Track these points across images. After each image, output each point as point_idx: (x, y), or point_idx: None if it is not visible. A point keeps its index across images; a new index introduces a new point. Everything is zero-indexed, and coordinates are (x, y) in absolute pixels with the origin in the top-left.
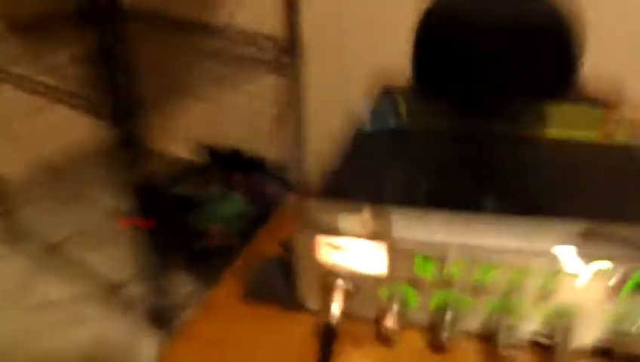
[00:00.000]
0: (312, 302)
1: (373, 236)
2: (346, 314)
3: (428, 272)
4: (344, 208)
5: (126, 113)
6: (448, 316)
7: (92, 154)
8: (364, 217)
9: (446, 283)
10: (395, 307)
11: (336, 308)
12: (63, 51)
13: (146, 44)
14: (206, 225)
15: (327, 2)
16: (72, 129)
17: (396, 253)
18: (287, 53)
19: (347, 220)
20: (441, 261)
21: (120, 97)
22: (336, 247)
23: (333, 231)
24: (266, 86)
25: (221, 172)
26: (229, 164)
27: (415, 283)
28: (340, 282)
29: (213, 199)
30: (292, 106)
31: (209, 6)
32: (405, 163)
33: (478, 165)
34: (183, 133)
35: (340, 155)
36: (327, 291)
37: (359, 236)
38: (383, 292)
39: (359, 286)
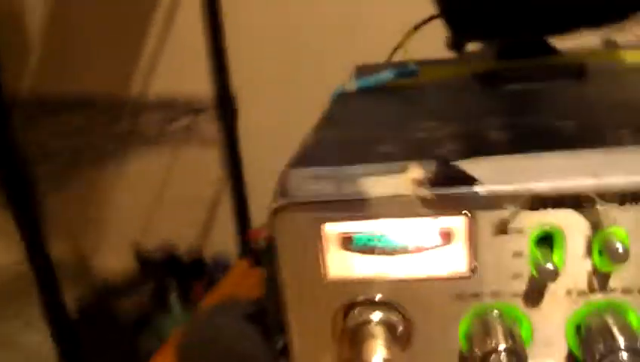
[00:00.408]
0: None
1: (437, 206)
2: None
3: (558, 258)
4: (362, 170)
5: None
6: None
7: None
8: (413, 176)
9: (601, 278)
10: (503, 343)
11: None
12: None
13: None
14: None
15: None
16: None
17: (487, 232)
18: (219, 119)
19: (379, 185)
20: (596, 226)
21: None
22: (364, 249)
23: (354, 210)
24: (197, 162)
25: (156, 282)
26: (165, 272)
27: (533, 288)
28: (376, 317)
29: (159, 315)
30: (231, 178)
31: (116, 79)
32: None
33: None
34: (111, 242)
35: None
36: (350, 343)
37: (407, 212)
38: (468, 321)
39: (418, 317)
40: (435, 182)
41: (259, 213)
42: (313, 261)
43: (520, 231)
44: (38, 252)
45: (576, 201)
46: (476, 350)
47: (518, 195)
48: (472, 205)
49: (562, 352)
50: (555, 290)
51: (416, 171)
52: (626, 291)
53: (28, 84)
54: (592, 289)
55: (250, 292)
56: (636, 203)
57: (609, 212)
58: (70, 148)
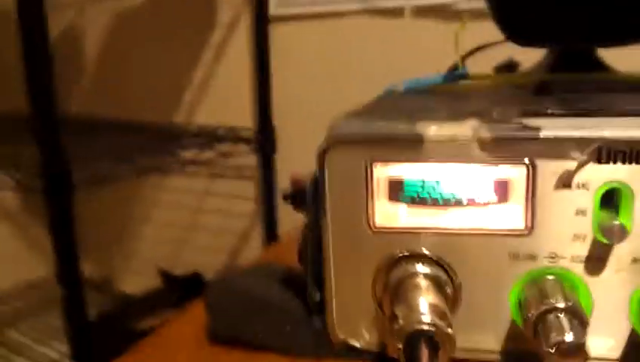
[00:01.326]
0: (361, 333)
1: (497, 151)
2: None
3: (625, 220)
4: (417, 116)
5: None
6: None
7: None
8: (472, 123)
9: None
10: (562, 302)
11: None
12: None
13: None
14: None
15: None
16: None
17: (548, 185)
18: (258, 152)
19: (436, 128)
20: None
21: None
22: (415, 198)
23: (407, 150)
24: (230, 194)
25: (178, 300)
26: (188, 291)
27: (595, 253)
28: (423, 270)
29: None
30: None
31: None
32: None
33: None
34: (137, 264)
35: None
36: (392, 299)
37: (464, 158)
38: (520, 286)
39: (467, 277)
40: (497, 129)
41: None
42: (360, 207)
43: (585, 186)
44: (70, 268)
45: None
46: (531, 312)
47: (586, 142)
48: (535, 152)
49: (624, 331)
50: (619, 257)
51: (476, 121)
52: None
53: (79, 104)
54: None
55: None
56: None
57: None
58: (111, 167)
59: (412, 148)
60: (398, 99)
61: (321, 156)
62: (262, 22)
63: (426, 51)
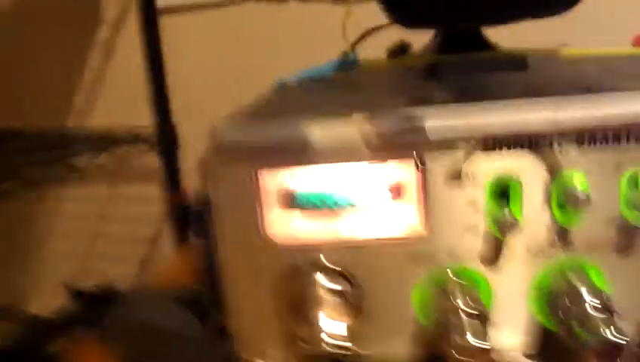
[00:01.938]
0: (267, 352)
1: (385, 149)
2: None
3: (515, 210)
4: (305, 120)
5: None
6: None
7: None
8: (359, 120)
9: (562, 232)
10: (463, 304)
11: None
12: None
13: None
14: None
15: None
16: None
17: (439, 180)
18: (160, 152)
19: (322, 130)
20: (554, 170)
21: None
22: (306, 206)
23: (294, 156)
24: (135, 199)
25: (95, 318)
26: (103, 307)
27: (490, 245)
28: (323, 282)
29: None
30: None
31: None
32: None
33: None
34: (44, 283)
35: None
36: (294, 312)
37: (357, 157)
38: (419, 289)
39: (368, 283)
40: (382, 124)
41: None
42: (251, 220)
43: (474, 178)
44: None
45: (532, 141)
46: (435, 311)
47: (471, 133)
48: (422, 145)
49: (524, 319)
50: (513, 247)
51: (361, 117)
52: (589, 247)
53: None
54: (552, 245)
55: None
56: (594, 144)
57: (567, 154)
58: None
59: (299, 153)
60: (289, 93)
61: (205, 167)
62: (150, 15)
63: (317, 35)
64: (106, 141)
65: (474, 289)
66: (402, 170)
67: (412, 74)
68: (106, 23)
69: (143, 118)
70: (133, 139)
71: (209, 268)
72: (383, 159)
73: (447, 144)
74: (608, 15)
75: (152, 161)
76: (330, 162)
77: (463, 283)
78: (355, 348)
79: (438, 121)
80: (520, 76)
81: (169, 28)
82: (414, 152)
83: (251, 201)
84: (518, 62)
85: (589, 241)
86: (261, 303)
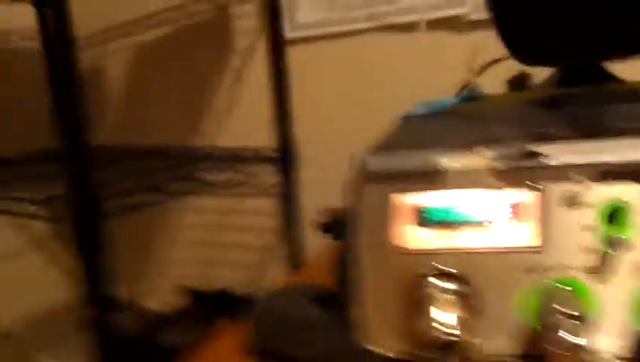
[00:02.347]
0: (390, 342)
1: (508, 180)
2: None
3: (624, 230)
4: (436, 151)
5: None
6: None
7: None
8: (485, 153)
9: None
10: (570, 311)
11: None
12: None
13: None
14: None
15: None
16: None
17: (557, 206)
18: (280, 171)
19: (452, 160)
20: None
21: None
22: (437, 222)
23: (427, 182)
24: (254, 212)
25: (206, 316)
26: (215, 307)
27: (600, 263)
28: (447, 286)
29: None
30: (288, 226)
31: (184, 131)
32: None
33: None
34: (167, 284)
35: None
36: (420, 313)
37: (482, 185)
38: (534, 296)
39: (488, 289)
40: (506, 156)
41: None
42: (384, 232)
43: (589, 206)
44: (98, 291)
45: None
46: (544, 319)
47: (586, 166)
48: (542, 177)
49: (622, 326)
50: (621, 265)
51: (488, 151)
52: None
53: (106, 136)
54: None
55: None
56: None
57: None
58: (136, 190)
59: (432, 179)
60: (416, 126)
61: (355, 189)
62: (277, 45)
63: (443, 63)
64: (234, 159)
65: (577, 296)
66: (524, 196)
67: (532, 106)
68: (237, 52)
69: (267, 140)
70: (257, 158)
71: (343, 270)
72: (507, 188)
73: (565, 176)
74: None
75: (273, 179)
76: (461, 188)
77: (568, 289)
78: (463, 336)
79: (557, 158)
80: (635, 108)
81: (296, 56)
82: (534, 181)
83: (390, 218)
84: (633, 94)
85: None
86: (385, 302)
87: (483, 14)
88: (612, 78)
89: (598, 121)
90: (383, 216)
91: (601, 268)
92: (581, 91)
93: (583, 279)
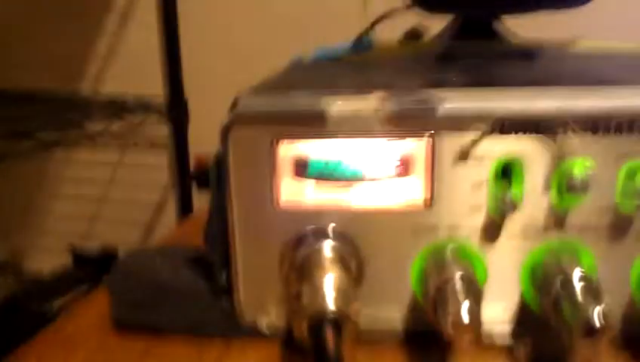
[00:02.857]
0: (267, 314)
1: (399, 125)
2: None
3: (517, 192)
4: (322, 91)
5: None
6: (577, 293)
7: None
8: (376, 96)
9: (558, 215)
10: (459, 283)
11: (330, 300)
12: None
13: None
14: None
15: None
16: None
17: (448, 159)
18: (169, 120)
19: (339, 103)
20: (558, 157)
21: None
22: (319, 176)
23: (311, 125)
24: (144, 165)
25: (89, 279)
26: (99, 269)
27: (490, 224)
28: (328, 246)
29: None
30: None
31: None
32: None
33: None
34: (47, 242)
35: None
36: (298, 276)
37: (367, 132)
38: (421, 259)
39: (371, 252)
40: (396, 104)
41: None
42: (265, 185)
43: (481, 160)
44: None
45: (538, 127)
46: (430, 284)
47: (484, 115)
48: (436, 125)
49: (514, 296)
50: (511, 228)
51: (377, 96)
52: (582, 230)
53: None
54: (547, 228)
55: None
56: (597, 133)
57: (571, 142)
58: (9, 143)
59: (316, 124)
60: (306, 69)
61: (225, 134)
62: None
63: (335, 16)
64: (119, 108)
65: (470, 265)
66: (412, 147)
67: (425, 57)
68: None
69: (156, 89)
70: (145, 107)
71: (218, 229)
72: (395, 135)
73: (457, 125)
74: (624, 12)
75: (162, 130)
76: (345, 135)
77: (460, 258)
78: (345, 306)
79: (451, 103)
80: (531, 66)
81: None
82: (428, 130)
83: (266, 169)
84: (528, 52)
85: (584, 227)
86: (268, 266)
87: None
88: (504, 37)
89: (492, 75)
90: (256, 165)
91: (490, 229)
92: (474, 46)
93: (473, 245)
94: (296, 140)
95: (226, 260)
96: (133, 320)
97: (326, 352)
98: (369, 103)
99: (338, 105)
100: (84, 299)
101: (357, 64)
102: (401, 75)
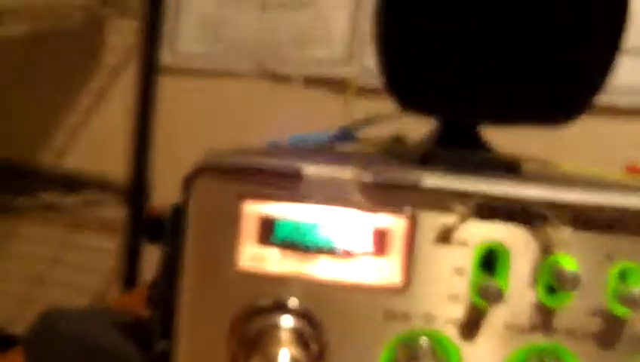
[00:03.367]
0: None
1: (377, 197)
2: None
3: (502, 279)
4: (296, 159)
5: None
6: None
7: None
8: (355, 170)
9: (545, 314)
10: None
11: None
12: None
13: None
14: None
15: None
16: None
17: (428, 239)
18: (129, 201)
19: (314, 166)
20: (545, 249)
21: None
22: (285, 243)
23: (284, 189)
24: (93, 247)
25: None
26: None
27: (470, 316)
28: (286, 323)
29: None
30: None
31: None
32: None
33: None
34: None
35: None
36: (248, 353)
37: (342, 200)
38: (392, 348)
39: (335, 333)
40: (378, 175)
41: None
42: (225, 246)
43: (464, 244)
44: None
45: (527, 215)
46: None
47: (467, 196)
48: (416, 202)
49: None
50: (493, 322)
51: (357, 167)
52: (570, 333)
53: None
54: (533, 327)
55: None
56: (588, 229)
57: (560, 235)
58: None
59: (288, 185)
60: (282, 148)
61: (187, 184)
62: (151, 70)
63: (316, 121)
64: (77, 182)
65: (445, 357)
66: (391, 223)
67: (408, 156)
68: (103, 70)
69: (120, 170)
70: (104, 186)
71: (165, 290)
72: (375, 210)
73: (439, 204)
74: (601, 139)
75: (118, 212)
76: (320, 203)
77: (435, 351)
78: None
79: (435, 180)
80: (515, 178)
81: (167, 88)
82: (406, 205)
83: (228, 228)
84: (512, 165)
85: (571, 328)
86: (215, 339)
87: (359, 79)
88: (487, 148)
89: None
90: (218, 222)
91: (469, 322)
92: (456, 152)
93: (450, 333)
94: (265, 200)
95: (168, 326)
96: None
97: None
98: (347, 172)
99: (314, 169)
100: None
101: (337, 151)
102: (382, 161)
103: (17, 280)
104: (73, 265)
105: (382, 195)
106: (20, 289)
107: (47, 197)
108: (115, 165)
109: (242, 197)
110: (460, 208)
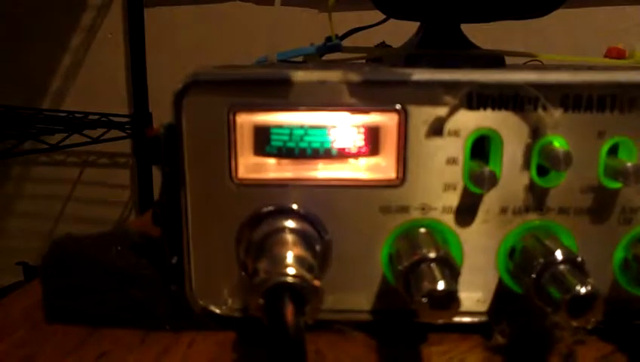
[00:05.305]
0: (224, 299)
1: (367, 96)
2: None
3: (495, 165)
4: (285, 67)
5: None
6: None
7: None
8: (344, 71)
9: (538, 194)
10: (434, 261)
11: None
12: None
13: None
14: None
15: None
16: None
17: (420, 133)
18: (133, 135)
19: (303, 73)
20: (536, 132)
21: None
22: (281, 149)
23: (273, 94)
24: (104, 184)
25: None
26: None
27: (465, 202)
28: (290, 225)
29: None
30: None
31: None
32: None
33: None
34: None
35: None
36: (256, 257)
37: (333, 102)
38: (391, 240)
39: (337, 232)
40: (367, 73)
41: None
42: (222, 158)
43: (456, 134)
44: None
45: (517, 101)
46: (402, 264)
47: (457, 86)
48: (406, 98)
49: (492, 282)
50: (488, 207)
51: (345, 68)
52: (563, 211)
53: None
54: (527, 208)
55: None
56: (578, 109)
57: (551, 116)
58: None
59: (278, 92)
60: (271, 64)
61: (178, 100)
62: (137, 4)
63: (299, 39)
64: (81, 124)
65: (445, 245)
66: (382, 121)
67: (394, 59)
68: (90, 9)
69: (120, 107)
70: (108, 124)
71: (169, 207)
72: (366, 109)
73: (431, 98)
74: (579, 30)
75: (125, 147)
76: (311, 108)
77: (435, 238)
78: (318, 283)
79: (425, 75)
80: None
81: (153, 19)
82: (397, 101)
83: (223, 140)
84: (495, 60)
85: (564, 206)
86: (223, 248)
87: None
88: (470, 45)
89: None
90: (213, 136)
91: (465, 209)
92: (439, 53)
93: (446, 220)
94: (256, 110)
95: (178, 242)
96: (68, 309)
97: (284, 323)
98: (334, 74)
99: (303, 74)
100: (16, 292)
101: (324, 62)
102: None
103: (36, 218)
104: (89, 201)
105: (371, 94)
106: (39, 226)
107: (53, 140)
108: (114, 101)
109: (234, 108)
110: (450, 99)
